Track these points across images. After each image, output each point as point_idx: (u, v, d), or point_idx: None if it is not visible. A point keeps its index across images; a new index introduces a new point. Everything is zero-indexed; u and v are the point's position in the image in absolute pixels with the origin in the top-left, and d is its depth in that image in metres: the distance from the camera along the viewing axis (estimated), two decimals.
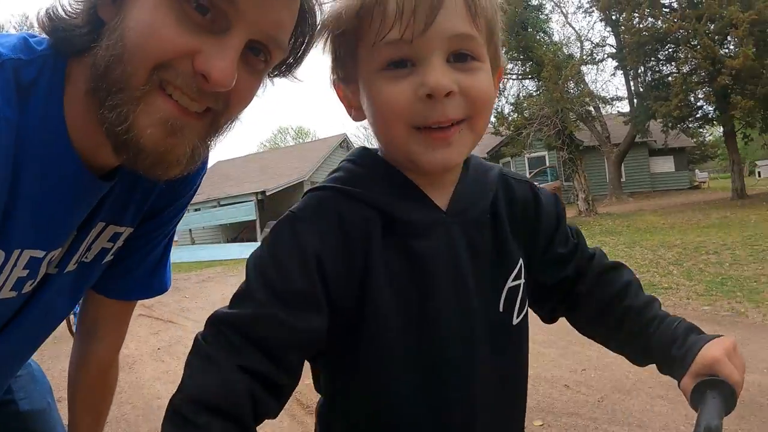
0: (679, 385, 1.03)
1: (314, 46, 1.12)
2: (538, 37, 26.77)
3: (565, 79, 23.82)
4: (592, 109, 28.21)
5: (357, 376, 1.02)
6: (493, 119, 26.96)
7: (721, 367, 0.97)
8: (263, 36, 0.96)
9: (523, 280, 1.11)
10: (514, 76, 28.07)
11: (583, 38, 29.39)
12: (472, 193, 1.09)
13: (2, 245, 1.04)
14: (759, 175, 47.88)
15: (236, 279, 13.89)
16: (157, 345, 8.12)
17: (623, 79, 32.32)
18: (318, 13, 1.07)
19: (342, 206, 0.99)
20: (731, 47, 24.40)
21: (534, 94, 27.36)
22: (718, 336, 1.02)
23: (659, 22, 24.87)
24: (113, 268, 1.44)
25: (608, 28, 29.55)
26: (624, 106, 32.85)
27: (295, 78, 1.19)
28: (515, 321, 1.09)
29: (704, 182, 45.75)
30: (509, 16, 25.06)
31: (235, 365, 0.86)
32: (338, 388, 1.07)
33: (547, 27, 28.34)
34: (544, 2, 28.49)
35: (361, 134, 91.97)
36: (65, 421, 1.66)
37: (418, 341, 1.00)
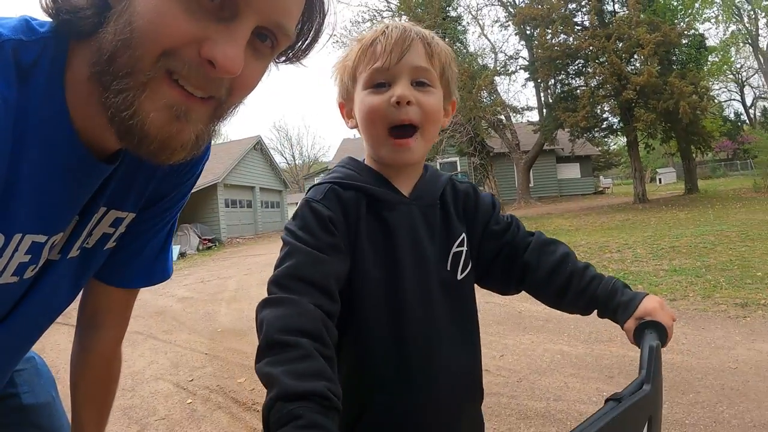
0: (622, 327, 1.35)
1: (322, 33, 1.17)
2: (454, 47, 27.17)
3: (478, 89, 24.35)
4: (504, 118, 28.77)
5: (349, 329, 1.30)
6: None
7: (658, 314, 1.31)
8: (271, 23, 0.96)
9: (465, 248, 1.46)
10: None
11: (497, 50, 30.05)
12: (427, 187, 1.47)
13: (2, 229, 1.02)
14: (660, 182, 50.03)
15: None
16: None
17: (534, 90, 33.40)
18: (327, 1, 1.12)
19: (339, 191, 1.34)
20: (637, 65, 25.84)
21: (452, 121, 27.61)
22: (648, 293, 1.37)
23: (571, 39, 25.98)
24: (115, 255, 1.42)
25: (522, 42, 30.42)
26: (534, 116, 33.73)
27: (301, 64, 1.22)
28: (459, 276, 1.44)
29: (608, 188, 47.81)
30: (428, 26, 25.34)
31: (305, 300, 1.08)
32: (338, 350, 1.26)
33: (464, 38, 28.96)
34: (462, 14, 29.21)
35: (274, 137, 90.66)
36: (70, 415, 1.63)
37: (390, 285, 1.33)
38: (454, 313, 1.41)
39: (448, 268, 1.42)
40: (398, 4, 25.99)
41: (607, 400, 1.02)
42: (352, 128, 1.50)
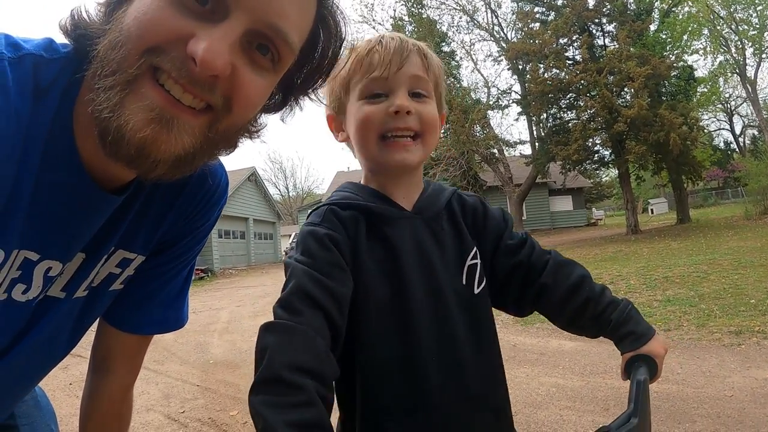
0: (622, 354, 1.36)
1: (340, 58, 1.15)
2: (448, 81, 27.25)
3: (471, 123, 24.55)
4: (496, 152, 28.95)
5: (358, 350, 1.26)
6: None
7: (658, 357, 1.32)
8: (265, 25, 0.92)
9: (479, 261, 1.41)
10: None
11: (490, 85, 30.29)
12: (430, 199, 1.44)
13: (2, 244, 1.00)
14: (652, 212, 50.36)
15: None
16: (68, 380, 7.76)
17: (526, 124, 33.31)
18: (342, 24, 1.09)
19: (338, 212, 1.31)
20: (627, 98, 26.08)
21: (441, 136, 27.76)
22: (656, 334, 1.37)
23: (563, 73, 26.29)
24: (126, 299, 1.39)
25: (515, 77, 30.79)
26: (526, 149, 33.89)
27: (319, 100, 1.25)
28: (476, 291, 1.38)
29: (600, 219, 48.10)
30: None
31: (309, 328, 1.06)
32: (349, 374, 1.26)
33: (457, 72, 29.36)
34: (455, 49, 29.61)
35: (269, 168, 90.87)
36: None
37: (397, 304, 1.28)
38: (473, 330, 1.34)
39: (464, 282, 1.37)
40: None
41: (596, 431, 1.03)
42: (341, 141, 1.47)
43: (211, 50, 0.86)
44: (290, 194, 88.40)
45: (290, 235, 40.83)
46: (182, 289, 1.48)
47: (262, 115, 1.13)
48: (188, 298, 1.52)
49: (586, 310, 1.40)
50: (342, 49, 1.13)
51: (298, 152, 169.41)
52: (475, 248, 1.42)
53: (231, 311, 13.80)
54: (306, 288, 1.13)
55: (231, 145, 1.08)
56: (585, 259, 17.24)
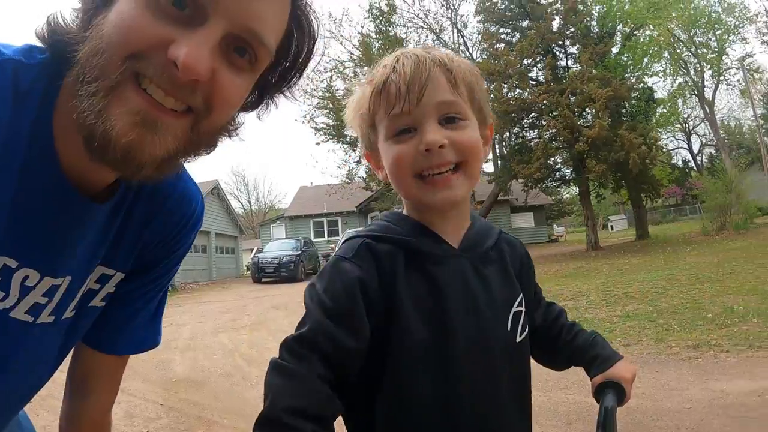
0: (591, 379, 1.39)
1: (313, 56, 1.13)
2: None
3: None
4: None
5: (385, 387, 1.17)
6: (364, 174, 27.64)
7: (626, 381, 1.35)
8: (242, 29, 0.93)
9: (524, 309, 1.33)
10: None
11: None
12: (478, 237, 1.33)
13: None
14: (612, 229, 51.29)
15: None
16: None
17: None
18: (315, 23, 1.08)
19: (373, 245, 1.20)
20: (589, 118, 26.52)
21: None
22: (622, 357, 1.41)
23: (526, 93, 26.67)
24: (109, 321, 1.37)
25: None
26: (488, 167, 34.12)
27: (294, 97, 1.18)
28: (518, 339, 1.28)
29: (562, 236, 49.03)
30: None
31: (314, 375, 1.04)
32: (369, 407, 1.20)
33: None
34: None
35: (231, 182, 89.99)
36: None
37: (439, 348, 1.17)
38: (514, 379, 1.27)
39: (509, 329, 1.27)
40: (360, 56, 26.29)
41: None
42: (383, 180, 1.33)
43: (192, 55, 0.87)
44: (252, 208, 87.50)
45: (252, 250, 40.10)
46: (158, 309, 1.48)
47: (240, 113, 1.13)
48: (161, 317, 1.52)
49: (559, 338, 1.45)
50: (315, 47, 1.12)
51: (262, 166, 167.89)
52: (521, 295, 1.34)
53: (193, 327, 13.48)
54: (314, 337, 1.09)
55: (212, 144, 1.08)
56: (547, 276, 17.41)
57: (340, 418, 1.15)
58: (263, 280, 28.11)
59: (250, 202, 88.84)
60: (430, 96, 1.18)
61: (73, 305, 1.23)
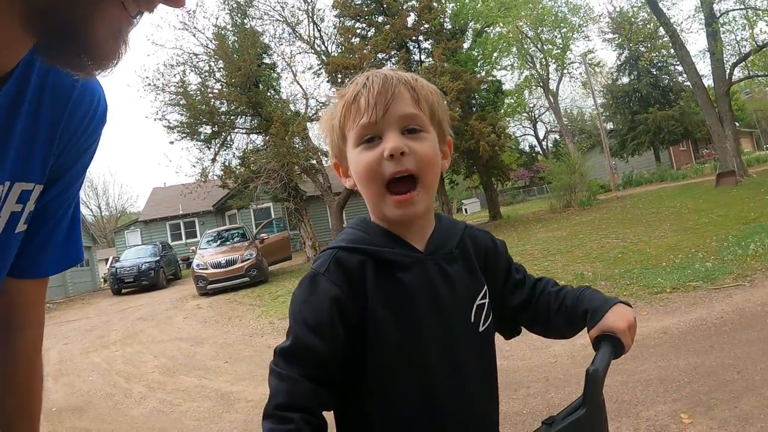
0: (589, 335, 1.39)
1: None
2: (268, 94, 27.52)
3: (291, 136, 24.41)
4: (315, 162, 28.82)
5: (368, 389, 1.28)
6: (219, 172, 26.87)
7: (617, 327, 1.33)
8: None
9: (487, 300, 1.41)
10: (243, 131, 28.23)
11: (309, 96, 30.04)
12: (442, 238, 1.40)
13: None
14: (466, 212, 52.94)
15: None
16: None
17: None
18: None
19: (342, 259, 1.29)
20: None
21: (261, 148, 27.33)
22: (617, 302, 1.40)
23: None
24: (33, 242, 1.26)
25: (333, 89, 30.29)
26: None
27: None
28: (481, 328, 1.38)
29: None
30: (243, 72, 25.65)
31: (300, 376, 1.19)
32: (351, 405, 1.32)
33: (277, 84, 29.23)
34: (276, 61, 29.33)
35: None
36: None
37: (412, 348, 1.27)
38: (480, 366, 1.38)
39: (471, 320, 1.37)
40: (215, 49, 25.65)
41: (542, 423, 1.11)
42: (351, 187, 1.42)
43: None
44: (103, 215, 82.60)
45: (107, 259, 37.79)
46: (75, 220, 1.38)
47: None
48: (80, 229, 1.42)
49: (549, 309, 1.48)
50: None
51: (110, 168, 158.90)
52: (485, 288, 1.42)
53: (60, 350, 12.69)
54: (296, 349, 1.23)
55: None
56: None
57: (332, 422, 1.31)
58: (123, 291, 26.34)
59: (100, 208, 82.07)
60: (395, 109, 1.30)
61: None
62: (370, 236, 1.35)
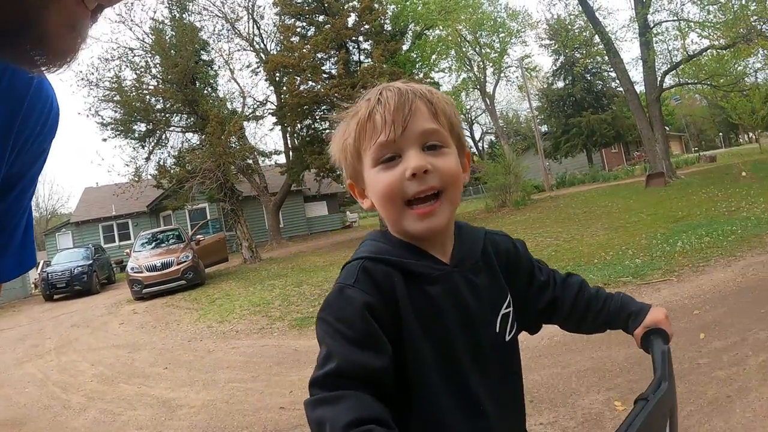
0: (632, 334, 1.47)
1: None
2: (205, 91, 27.28)
3: (228, 135, 24.28)
4: (252, 162, 29.04)
5: (411, 403, 1.22)
6: (154, 171, 26.55)
7: (662, 323, 1.44)
8: None
9: (512, 309, 1.39)
10: (179, 129, 27.93)
11: (246, 95, 30.39)
12: (466, 248, 1.37)
13: None
14: None
15: None
16: None
17: (281, 134, 33.96)
18: None
19: (369, 268, 1.22)
20: None
21: (197, 147, 26.79)
22: (653, 306, 1.50)
23: (318, 86, 27.03)
24: None
25: (271, 88, 31.02)
26: (281, 159, 33.80)
27: None
28: (507, 338, 1.36)
29: (355, 222, 50.52)
30: (180, 69, 25.14)
31: (360, 392, 1.06)
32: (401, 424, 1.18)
33: (215, 82, 29.03)
34: (214, 58, 29.20)
35: None
36: None
37: (442, 357, 1.23)
38: (506, 376, 1.36)
39: (497, 331, 1.35)
40: (152, 44, 25.18)
41: (636, 401, 1.14)
42: (368, 209, 1.37)
43: None
44: (34, 216, 79.68)
45: (38, 264, 36.79)
46: (29, 223, 1.34)
47: None
48: (33, 234, 1.37)
49: (588, 310, 1.52)
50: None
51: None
52: (509, 297, 1.40)
53: None
54: (345, 368, 1.10)
55: None
56: (342, 261, 17.71)
57: None
58: (55, 296, 25.20)
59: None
60: (414, 125, 1.24)
61: None
62: (394, 249, 1.29)
